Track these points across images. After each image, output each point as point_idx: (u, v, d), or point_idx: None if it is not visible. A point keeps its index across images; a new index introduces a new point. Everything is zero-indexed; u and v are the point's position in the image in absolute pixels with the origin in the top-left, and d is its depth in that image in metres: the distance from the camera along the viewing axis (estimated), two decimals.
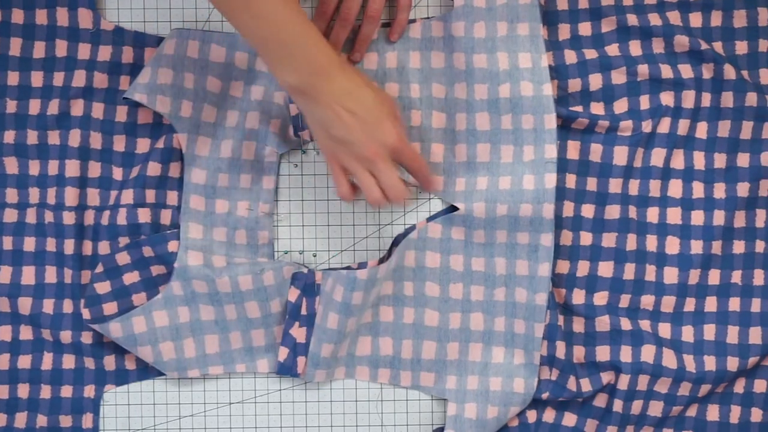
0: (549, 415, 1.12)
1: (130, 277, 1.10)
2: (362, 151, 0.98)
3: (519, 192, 1.08)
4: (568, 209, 1.11)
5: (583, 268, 1.11)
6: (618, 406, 1.09)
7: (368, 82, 1.00)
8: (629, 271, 1.11)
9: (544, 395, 1.10)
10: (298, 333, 1.09)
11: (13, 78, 1.10)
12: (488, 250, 1.10)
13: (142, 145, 1.11)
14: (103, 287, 1.10)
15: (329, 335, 1.09)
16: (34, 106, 1.10)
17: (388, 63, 1.11)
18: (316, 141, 1.05)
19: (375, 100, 0.98)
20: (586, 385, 1.09)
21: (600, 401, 1.11)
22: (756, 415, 1.11)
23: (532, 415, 1.12)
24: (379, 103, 0.98)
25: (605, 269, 1.11)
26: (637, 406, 1.09)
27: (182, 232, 1.09)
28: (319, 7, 1.08)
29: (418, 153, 1.05)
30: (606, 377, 1.10)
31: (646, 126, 1.09)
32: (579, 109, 1.10)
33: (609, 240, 1.11)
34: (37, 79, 1.10)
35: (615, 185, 1.10)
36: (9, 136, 1.10)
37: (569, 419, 1.12)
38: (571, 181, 1.11)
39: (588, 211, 1.11)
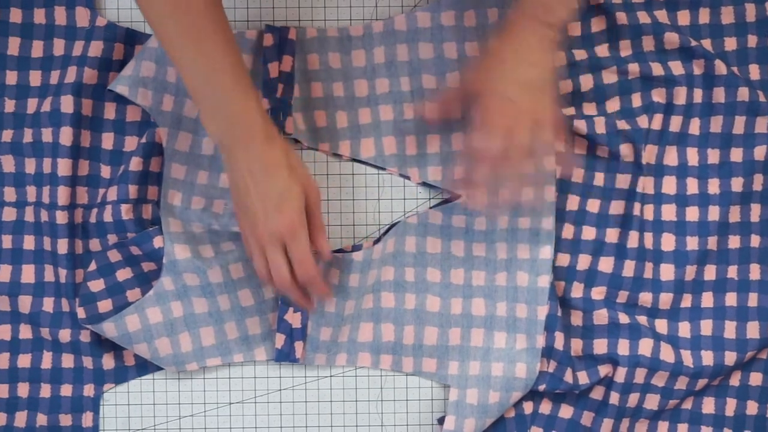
0: (546, 407, 1.09)
1: (123, 274, 1.07)
2: (255, 227, 0.95)
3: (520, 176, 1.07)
4: (573, 203, 1.09)
5: (583, 262, 1.09)
6: (614, 398, 1.07)
7: (290, 165, 0.95)
8: (629, 268, 1.09)
9: (541, 387, 1.07)
10: (293, 318, 1.07)
11: (11, 77, 1.07)
12: (489, 235, 1.08)
13: (130, 143, 1.08)
14: (96, 285, 1.07)
15: (327, 318, 1.07)
16: (32, 105, 1.07)
17: (376, 59, 1.09)
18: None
19: (285, 184, 0.94)
20: (583, 378, 1.07)
21: (597, 394, 1.08)
22: (752, 407, 1.09)
23: (528, 407, 1.10)
24: (287, 189, 0.94)
25: (605, 264, 1.10)
26: (633, 399, 1.07)
27: (164, 226, 1.05)
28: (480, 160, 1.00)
29: (307, 254, 0.97)
30: (603, 370, 1.07)
31: (642, 122, 1.08)
32: (571, 110, 1.08)
33: (612, 236, 1.09)
34: (35, 78, 1.07)
35: (622, 181, 1.08)
36: (7, 135, 1.07)
37: (566, 411, 1.09)
38: (577, 175, 1.09)
39: (593, 205, 1.09)
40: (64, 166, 1.06)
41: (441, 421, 1.09)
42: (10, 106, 1.08)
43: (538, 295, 1.07)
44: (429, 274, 1.09)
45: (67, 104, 1.05)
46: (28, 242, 1.08)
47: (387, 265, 1.08)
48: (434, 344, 1.09)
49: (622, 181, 1.08)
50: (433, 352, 1.09)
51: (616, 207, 1.09)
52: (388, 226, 1.10)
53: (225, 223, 1.07)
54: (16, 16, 1.08)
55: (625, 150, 1.08)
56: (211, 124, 0.94)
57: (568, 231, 1.09)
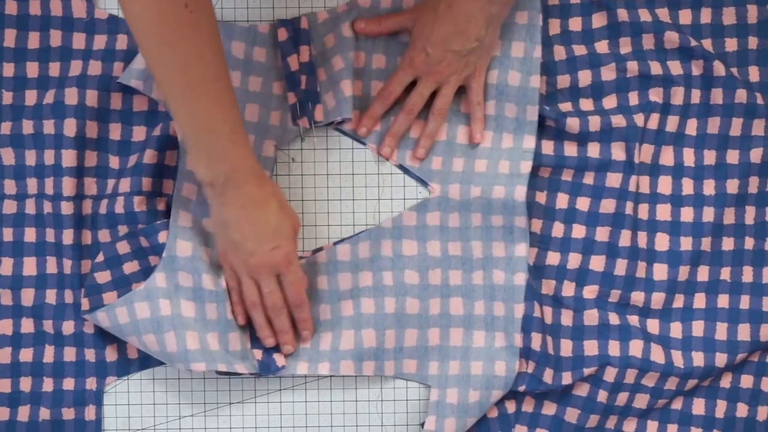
0: (528, 405, 1.09)
1: (130, 267, 1.06)
2: (248, 259, 0.99)
3: (493, 175, 1.06)
4: (562, 201, 1.09)
5: (574, 260, 1.09)
6: (602, 396, 1.07)
7: (279, 201, 0.98)
8: (621, 267, 1.08)
9: (521, 388, 1.07)
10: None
11: (8, 69, 1.06)
12: (464, 233, 1.07)
13: (138, 133, 1.07)
14: (103, 276, 1.06)
15: None
16: (30, 97, 1.06)
17: (375, 63, 1.09)
18: (214, 238, 1.04)
19: (277, 219, 0.98)
20: (567, 378, 1.07)
21: (580, 390, 1.08)
22: (741, 410, 1.09)
23: (511, 406, 1.09)
24: (280, 224, 0.98)
25: (597, 263, 1.09)
26: (622, 398, 1.07)
27: (172, 219, 1.03)
28: (383, 92, 1.06)
29: (300, 279, 1.03)
30: (588, 370, 1.07)
31: (638, 120, 1.07)
32: (568, 105, 1.08)
33: (602, 234, 1.08)
34: (32, 69, 1.06)
35: (613, 180, 1.08)
36: (5, 128, 1.06)
37: (549, 408, 1.09)
38: (568, 174, 1.08)
39: (583, 204, 1.09)
40: (68, 157, 1.05)
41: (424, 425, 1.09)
42: (7, 98, 1.06)
43: (514, 293, 1.07)
44: (407, 277, 1.08)
45: (71, 96, 1.04)
46: (29, 234, 1.07)
47: (365, 270, 1.07)
48: (414, 345, 1.08)
49: (613, 179, 1.08)
50: (413, 354, 1.08)
51: (607, 205, 1.08)
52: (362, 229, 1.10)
53: None
54: (11, 7, 1.06)
55: (617, 148, 1.07)
56: (202, 169, 0.94)
57: (557, 229, 1.09)
